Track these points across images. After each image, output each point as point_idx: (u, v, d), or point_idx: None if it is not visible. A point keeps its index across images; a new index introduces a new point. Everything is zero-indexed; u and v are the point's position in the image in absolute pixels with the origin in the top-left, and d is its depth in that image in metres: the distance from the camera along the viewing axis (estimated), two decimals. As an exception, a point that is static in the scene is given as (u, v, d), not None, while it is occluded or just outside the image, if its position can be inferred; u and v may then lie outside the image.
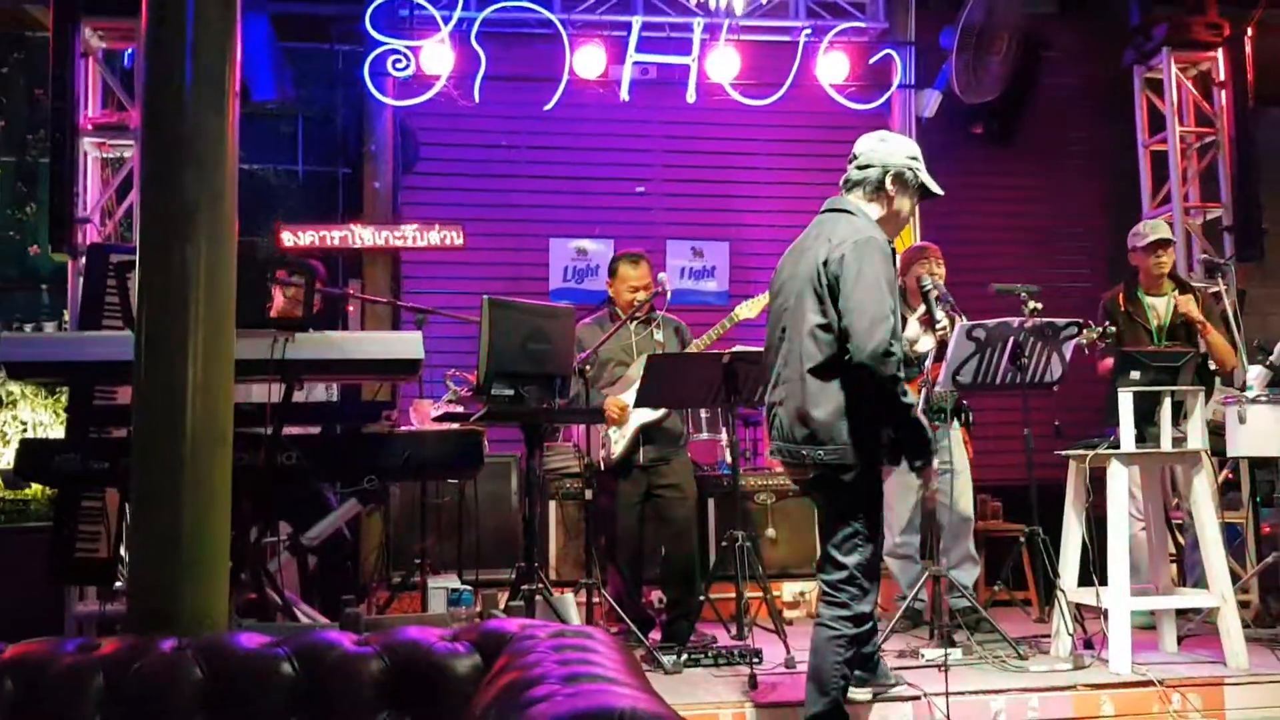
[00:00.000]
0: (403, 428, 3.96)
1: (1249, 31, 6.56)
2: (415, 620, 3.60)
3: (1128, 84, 6.99)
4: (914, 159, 3.50)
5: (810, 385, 3.29)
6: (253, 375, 3.31)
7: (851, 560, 3.29)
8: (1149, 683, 3.97)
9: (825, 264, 3.31)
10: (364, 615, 3.26)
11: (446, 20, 6.41)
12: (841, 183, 3.56)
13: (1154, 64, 6.76)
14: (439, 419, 4.13)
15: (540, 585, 3.87)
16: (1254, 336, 5.37)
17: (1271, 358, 4.58)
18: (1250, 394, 4.74)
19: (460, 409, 4.18)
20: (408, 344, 3.75)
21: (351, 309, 6.09)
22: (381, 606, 4.90)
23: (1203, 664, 4.29)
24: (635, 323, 4.89)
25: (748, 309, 4.95)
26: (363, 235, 6.33)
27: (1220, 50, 6.61)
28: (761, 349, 4.51)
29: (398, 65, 6.37)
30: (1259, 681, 4.07)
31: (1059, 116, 7.54)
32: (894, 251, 3.44)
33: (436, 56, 6.40)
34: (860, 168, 3.49)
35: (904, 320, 4.70)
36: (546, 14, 6.57)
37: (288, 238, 6.16)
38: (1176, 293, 5.22)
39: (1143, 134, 6.92)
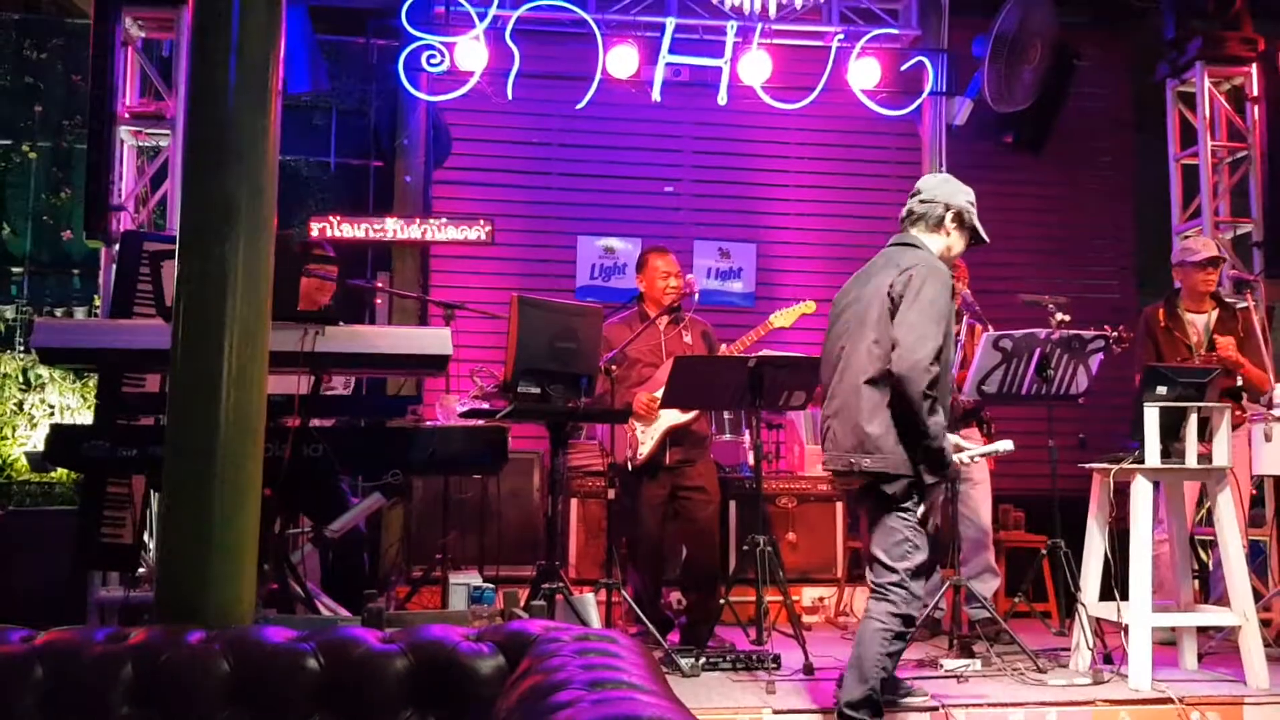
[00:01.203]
0: (428, 423, 3.98)
1: (1285, 47, 6.51)
2: (437, 617, 3.62)
3: (1160, 96, 6.94)
4: (971, 203, 3.74)
5: (864, 397, 3.49)
6: (284, 368, 3.35)
7: (902, 565, 3.48)
8: (1168, 700, 3.95)
9: (892, 286, 3.52)
10: (385, 610, 3.29)
11: (482, 17, 6.43)
12: (903, 216, 3.80)
13: (1187, 77, 6.71)
14: (464, 415, 4.15)
15: (561, 584, 3.89)
16: (1282, 354, 5.34)
17: (1301, 377, 4.55)
18: (1277, 413, 4.71)
19: (486, 405, 4.20)
20: (437, 340, 3.79)
21: (380, 302, 6.13)
22: (401, 601, 4.94)
23: (1223, 682, 4.27)
24: (664, 323, 4.91)
25: (782, 318, 4.99)
26: (393, 228, 6.37)
27: (1254, 65, 6.55)
28: (789, 354, 4.60)
29: (432, 61, 6.40)
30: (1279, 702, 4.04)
31: (1090, 127, 7.50)
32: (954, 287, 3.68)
33: (471, 53, 6.43)
34: (923, 201, 3.73)
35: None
36: (581, 13, 6.59)
37: (320, 229, 6.21)
38: (1217, 313, 5.18)
39: (1174, 147, 6.86)
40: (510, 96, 6.55)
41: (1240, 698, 4.05)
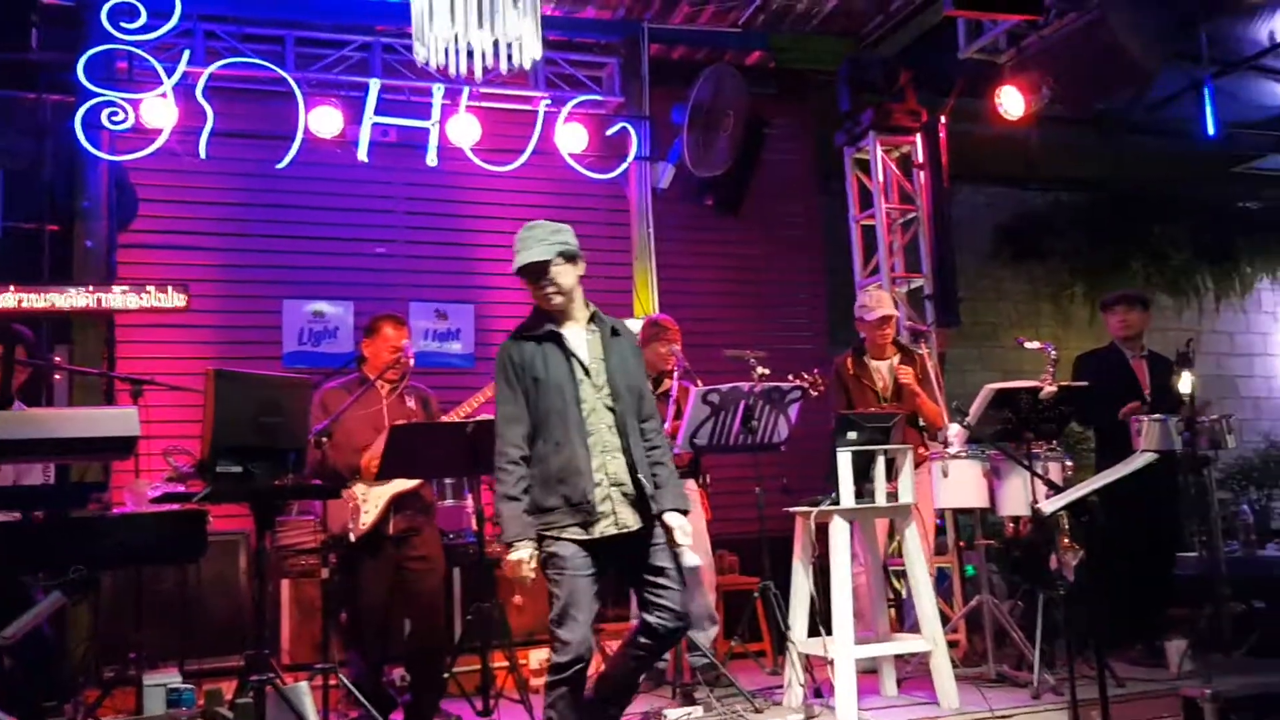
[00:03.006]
0: (116, 510, 3.67)
1: (943, 118, 7.26)
2: (130, 726, 3.32)
3: (841, 162, 7.56)
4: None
5: None
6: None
7: (550, 617, 3.54)
8: (872, 728, 4.22)
9: None
10: (70, 723, 2.98)
11: (170, 73, 6.11)
12: None
13: (862, 146, 7.35)
14: (157, 500, 3.85)
15: (272, 674, 3.65)
16: (954, 395, 5.87)
17: (968, 418, 5.01)
18: (952, 450, 5.17)
19: (182, 488, 3.92)
20: (121, 421, 3.51)
21: (59, 378, 5.59)
22: (91, 706, 4.48)
23: (919, 705, 4.60)
24: (386, 390, 4.78)
25: None
26: (71, 298, 5.84)
27: (919, 135, 7.27)
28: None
29: (115, 118, 5.99)
30: (969, 719, 4.38)
31: (782, 190, 8.01)
32: (549, 336, 3.65)
33: (158, 110, 6.09)
34: None
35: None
36: (279, 72, 6.39)
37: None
38: (899, 358, 5.63)
39: (854, 209, 7.48)
40: (204, 155, 6.25)
41: (934, 719, 4.37)
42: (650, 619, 3.59)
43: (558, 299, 3.64)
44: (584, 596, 3.50)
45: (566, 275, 3.63)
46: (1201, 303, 9.86)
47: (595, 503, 3.50)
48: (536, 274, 3.61)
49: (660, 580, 3.59)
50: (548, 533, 3.53)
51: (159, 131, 6.11)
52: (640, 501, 3.57)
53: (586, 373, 3.62)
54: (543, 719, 3.56)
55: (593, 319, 3.74)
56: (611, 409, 3.60)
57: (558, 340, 3.63)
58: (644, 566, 3.61)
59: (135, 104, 6.07)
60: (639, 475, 3.57)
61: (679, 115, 7.16)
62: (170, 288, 6.06)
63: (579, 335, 3.69)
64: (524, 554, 3.48)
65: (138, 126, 6.09)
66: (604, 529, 3.52)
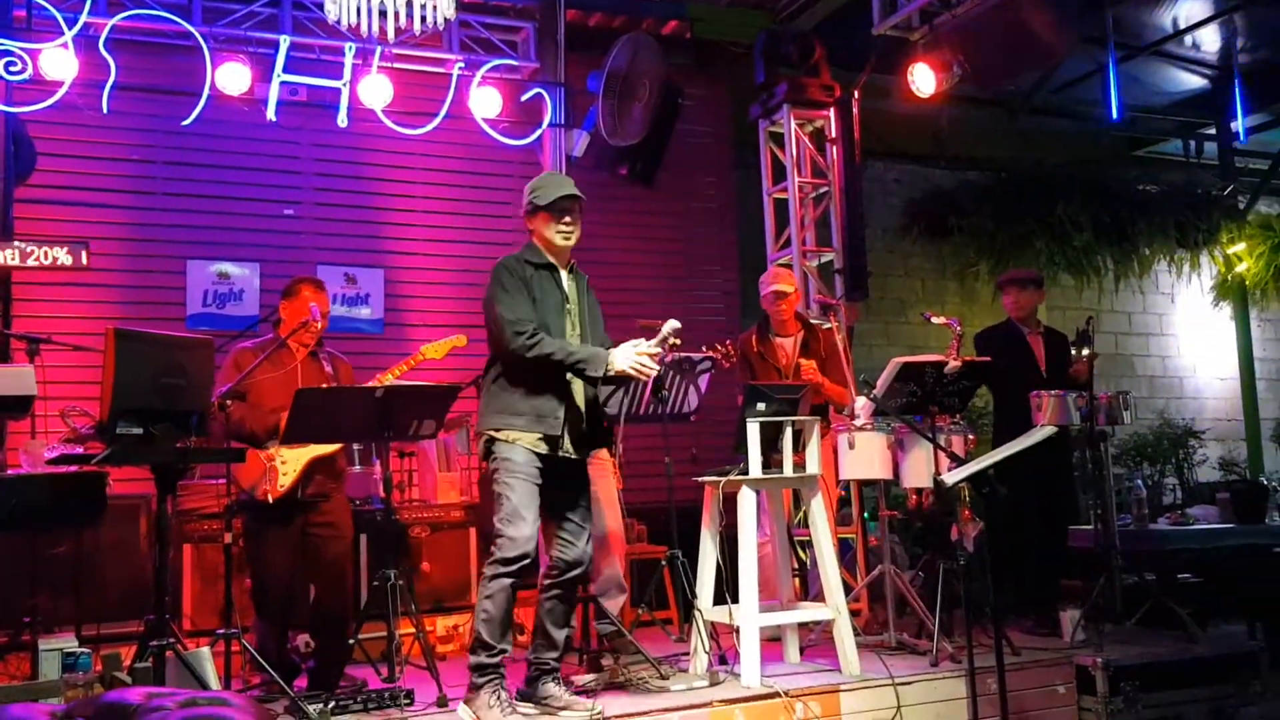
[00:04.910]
0: (11, 472, 3.57)
1: (856, 94, 7.35)
2: (22, 692, 3.23)
3: (756, 135, 7.61)
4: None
5: (486, 380, 4.07)
6: None
7: (496, 517, 3.89)
8: (776, 694, 4.28)
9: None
10: (-42, 689, 2.89)
11: (71, 24, 5.88)
12: None
13: (776, 119, 7.41)
14: (53, 461, 3.74)
15: (173, 640, 3.60)
16: (860, 370, 5.99)
17: (874, 391, 5.11)
18: (858, 423, 5.28)
19: (80, 449, 3.81)
20: (17, 379, 3.43)
21: (-52, 337, 5.40)
22: (-16, 673, 4.37)
23: (822, 672, 4.69)
24: (303, 354, 4.69)
25: (435, 349, 4.93)
26: (-36, 253, 5.63)
27: (832, 109, 7.35)
28: (418, 384, 4.61)
29: (11, 68, 5.77)
30: (869, 686, 4.48)
31: (697, 161, 8.06)
32: (547, 267, 4.06)
33: (58, 62, 5.87)
34: None
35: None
36: (186, 25, 6.20)
37: None
38: (803, 334, 5.71)
39: (767, 182, 7.54)
40: (106, 110, 6.05)
41: (836, 686, 4.45)
42: (553, 553, 4.01)
43: (575, 235, 4.06)
44: (533, 501, 3.85)
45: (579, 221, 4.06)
46: (1101, 282, 10.16)
47: (561, 424, 3.89)
48: (566, 209, 3.99)
49: (568, 524, 4.02)
50: (504, 438, 3.86)
51: (59, 84, 5.90)
52: (587, 439, 4.02)
53: (569, 312, 4.03)
54: (477, 609, 3.85)
55: (572, 269, 4.15)
56: None
57: (554, 273, 4.00)
58: (565, 502, 4.00)
59: (34, 54, 5.86)
60: (594, 411, 4.03)
61: (594, 83, 7.12)
62: (70, 246, 5.88)
63: (565, 279, 4.10)
64: (622, 352, 3.84)
65: (36, 78, 5.89)
66: (558, 450, 3.93)
